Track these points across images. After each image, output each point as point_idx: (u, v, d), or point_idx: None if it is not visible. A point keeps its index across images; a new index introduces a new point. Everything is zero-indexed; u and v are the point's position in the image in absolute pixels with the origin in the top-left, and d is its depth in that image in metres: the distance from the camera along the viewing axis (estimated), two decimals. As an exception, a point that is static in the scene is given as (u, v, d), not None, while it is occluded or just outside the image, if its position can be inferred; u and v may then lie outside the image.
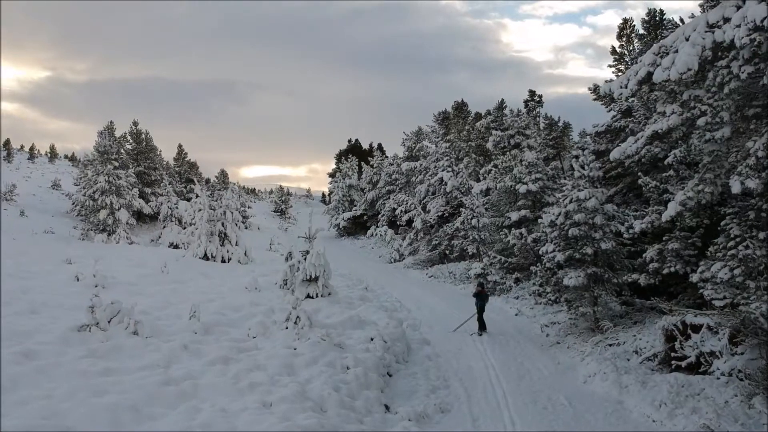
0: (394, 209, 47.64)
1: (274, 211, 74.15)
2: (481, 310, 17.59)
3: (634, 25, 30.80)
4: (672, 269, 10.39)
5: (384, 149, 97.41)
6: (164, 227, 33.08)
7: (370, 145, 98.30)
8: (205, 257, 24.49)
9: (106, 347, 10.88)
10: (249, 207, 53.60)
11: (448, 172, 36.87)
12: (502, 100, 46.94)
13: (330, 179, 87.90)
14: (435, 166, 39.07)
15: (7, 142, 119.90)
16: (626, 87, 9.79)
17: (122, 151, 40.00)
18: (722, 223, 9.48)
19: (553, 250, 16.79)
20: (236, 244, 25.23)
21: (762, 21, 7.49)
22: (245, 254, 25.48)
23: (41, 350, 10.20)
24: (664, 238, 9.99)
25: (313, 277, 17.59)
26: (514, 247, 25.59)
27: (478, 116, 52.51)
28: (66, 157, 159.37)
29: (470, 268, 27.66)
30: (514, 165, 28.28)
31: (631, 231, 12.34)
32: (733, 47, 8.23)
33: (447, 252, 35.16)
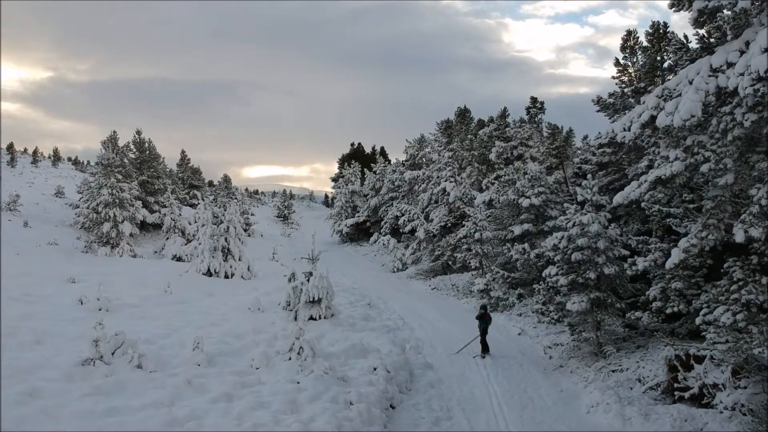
0: (397, 217, 47.70)
1: (277, 217, 74.20)
2: (484, 332, 17.60)
3: (638, 37, 30.78)
4: (675, 309, 10.40)
5: (387, 153, 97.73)
6: (167, 239, 33.12)
7: (373, 149, 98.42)
8: (209, 273, 24.51)
9: (110, 383, 10.91)
10: (252, 214, 53.56)
11: (450, 182, 36.90)
12: (505, 108, 46.90)
13: (333, 183, 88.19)
14: (438, 176, 39.07)
15: (10, 146, 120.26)
16: (629, 130, 9.79)
17: (125, 160, 40.06)
18: (725, 265, 9.49)
19: (556, 274, 16.78)
20: (239, 259, 25.23)
21: (765, 72, 7.49)
22: (248, 269, 25.51)
23: (45, 388, 10.23)
24: (667, 276, 9.99)
25: (316, 299, 17.62)
26: (517, 262, 25.62)
27: (481, 123, 52.49)
28: (69, 159, 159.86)
29: (473, 282, 27.67)
30: (517, 178, 28.27)
31: (634, 268, 12.32)
32: (736, 93, 8.23)
33: (450, 262, 35.20)
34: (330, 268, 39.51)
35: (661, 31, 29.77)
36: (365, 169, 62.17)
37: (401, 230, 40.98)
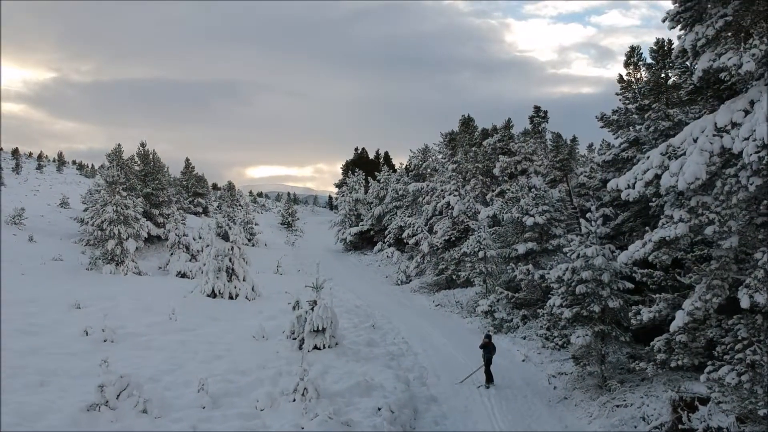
0: (401, 227, 47.71)
1: (281, 224, 74.26)
2: (488, 362, 17.58)
3: (642, 53, 30.75)
4: (680, 362, 10.40)
5: (390, 158, 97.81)
6: (171, 254, 33.17)
7: (377, 154, 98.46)
8: (213, 294, 24.56)
9: (116, 430, 10.95)
10: (256, 224, 53.62)
11: (455, 196, 36.87)
12: (509, 119, 46.87)
13: (337, 189, 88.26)
14: (442, 189, 39.06)
15: (15, 151, 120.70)
16: (633, 187, 9.78)
17: (130, 174, 40.17)
18: (730, 322, 9.46)
19: (561, 305, 16.77)
20: (243, 279, 25.28)
21: (770, 140, 7.47)
22: (252, 289, 25.55)
23: (51, 438, 10.28)
24: (672, 330, 9.95)
25: (320, 328, 17.64)
26: (522, 282, 25.61)
27: (485, 133, 52.43)
28: (74, 163, 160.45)
29: (477, 302, 27.67)
30: (521, 196, 28.25)
31: (638, 317, 12.30)
32: (741, 155, 8.21)
33: (454, 277, 35.21)
34: (334, 280, 39.79)
35: (665, 48, 29.75)
36: (369, 178, 62.20)
37: (405, 241, 40.95)
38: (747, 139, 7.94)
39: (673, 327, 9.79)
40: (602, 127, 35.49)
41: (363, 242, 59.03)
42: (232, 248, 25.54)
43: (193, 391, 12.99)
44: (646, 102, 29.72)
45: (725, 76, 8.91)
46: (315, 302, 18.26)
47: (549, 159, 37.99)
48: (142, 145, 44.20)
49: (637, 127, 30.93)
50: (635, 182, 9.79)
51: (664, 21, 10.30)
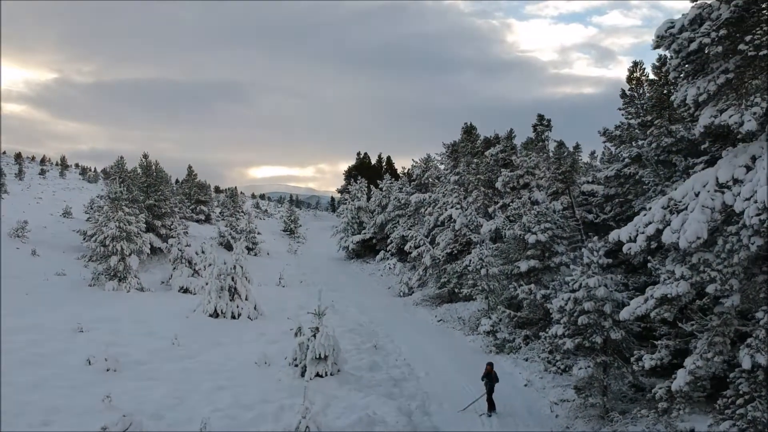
0: (404, 237, 47.77)
1: (284, 231, 74.30)
2: (490, 391, 17.58)
3: (645, 68, 30.71)
4: (681, 412, 10.40)
5: (392, 162, 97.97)
6: (174, 269, 33.24)
7: (379, 158, 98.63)
8: (215, 313, 24.62)
9: (119, 476, 11.00)
10: (258, 233, 53.66)
11: (456, 209, 36.89)
12: (511, 130, 46.85)
13: (339, 195, 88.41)
14: (444, 201, 39.08)
15: (18, 156, 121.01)
16: (635, 241, 9.80)
17: (132, 186, 40.26)
18: (731, 375, 9.47)
19: (563, 335, 16.78)
20: (246, 299, 25.33)
21: (771, 203, 7.48)
22: (254, 308, 25.60)
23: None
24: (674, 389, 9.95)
25: (322, 356, 17.67)
26: (524, 301, 25.61)
27: (488, 142, 52.40)
28: (76, 166, 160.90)
29: (479, 319, 27.68)
30: (524, 212, 28.26)
31: (640, 364, 12.30)
32: (743, 214, 8.22)
33: (456, 290, 35.21)
34: (337, 292, 39.84)
35: (668, 64, 29.66)
36: (372, 186, 62.32)
37: (408, 252, 40.95)
38: (748, 199, 7.96)
39: (674, 387, 9.79)
40: (605, 142, 35.52)
41: (365, 250, 59.12)
42: (235, 267, 25.55)
43: (196, 429, 13.01)
44: (649, 118, 29.71)
45: (727, 131, 8.93)
46: (317, 329, 18.28)
47: (551, 171, 38.00)
48: (145, 156, 44.32)
49: (640, 142, 30.96)
50: (637, 235, 9.81)
51: (664, 69, 10.28)
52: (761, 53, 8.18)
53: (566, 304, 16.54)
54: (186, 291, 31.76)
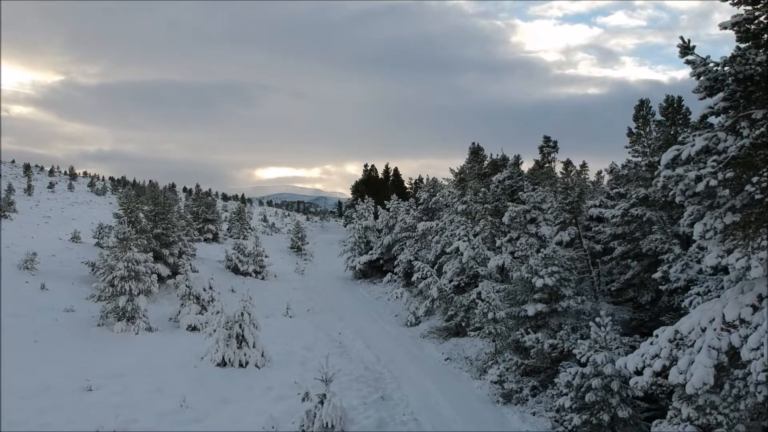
0: (410, 261, 47.83)
1: (291, 248, 74.52)
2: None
3: (651, 107, 30.67)
4: None
5: (399, 174, 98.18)
6: (182, 305, 33.42)
7: (386, 169, 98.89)
8: (223, 362, 24.78)
9: None
10: (266, 256, 53.83)
11: (464, 241, 36.89)
12: (518, 156, 47.00)
13: (348, 208, 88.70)
14: (451, 233, 39.14)
15: (27, 168, 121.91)
16: (641, 373, 9.80)
17: (140, 216, 40.47)
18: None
19: (570, 407, 16.80)
20: (253, 346, 25.47)
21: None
22: (262, 355, 25.76)
23: None
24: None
25: (329, 425, 17.74)
26: (531, 350, 25.57)
27: (495, 165, 52.50)
28: (84, 174, 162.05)
29: (486, 363, 27.72)
30: (530, 254, 28.23)
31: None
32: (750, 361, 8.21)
33: (463, 323, 35.23)
34: (344, 320, 39.99)
35: (675, 105, 29.66)
36: (378, 206, 62.57)
37: (415, 284, 40.96)
38: (756, 349, 7.95)
39: None
40: (610, 181, 35.47)
41: (372, 270, 59.28)
42: (242, 314, 25.69)
43: None
44: (656, 159, 29.68)
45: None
46: (324, 395, 18.37)
47: (558, 201, 37.97)
48: (153, 185, 44.55)
49: (649, 189, 30.92)
50: (644, 367, 9.82)
51: (669, 193, 10.27)
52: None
53: (573, 379, 16.57)
54: (194, 329, 31.97)
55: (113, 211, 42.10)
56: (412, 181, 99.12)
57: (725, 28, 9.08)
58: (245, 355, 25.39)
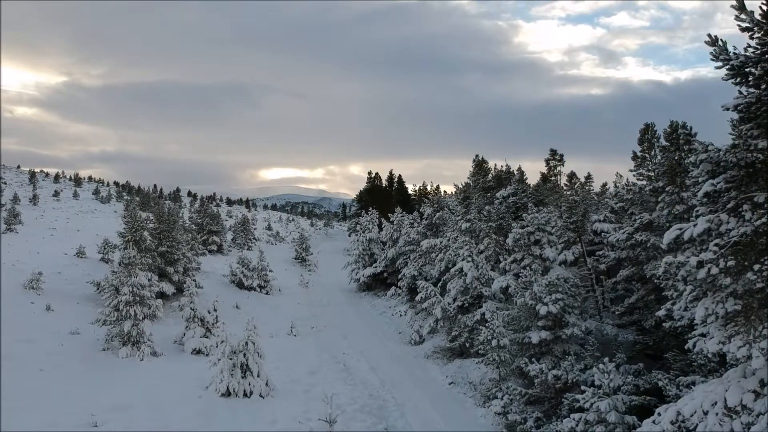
0: (414, 277, 47.90)
1: (295, 258, 74.63)
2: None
3: (656, 131, 30.60)
4: None
5: (403, 181, 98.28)
6: (187, 328, 33.54)
7: (390, 177, 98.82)
8: (227, 392, 24.86)
9: None
10: (270, 270, 53.96)
11: (468, 262, 36.88)
12: (523, 172, 46.98)
13: (351, 220, 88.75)
14: (455, 252, 39.16)
15: (32, 175, 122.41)
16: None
17: (145, 234, 40.60)
18: None
19: (574, 453, 16.82)
20: (258, 375, 25.55)
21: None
22: (266, 384, 25.83)
23: None
24: None
25: (333, 468, 17.80)
26: (535, 379, 25.57)
27: (499, 179, 52.51)
28: (89, 179, 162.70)
29: (490, 390, 27.75)
30: (534, 280, 28.27)
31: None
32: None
33: (467, 344, 35.25)
34: (347, 339, 40.06)
35: (679, 131, 29.62)
36: (382, 219, 62.68)
37: (419, 304, 40.95)
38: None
39: None
40: (616, 203, 35.43)
41: (377, 283, 59.39)
42: (246, 343, 25.78)
43: None
44: (660, 184, 29.66)
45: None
46: (328, 436, 18.41)
47: (563, 219, 37.96)
48: (157, 193, 44.67)
49: (650, 208, 30.90)
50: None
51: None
52: (770, 290, 8.21)
53: (577, 426, 16.58)
54: (199, 352, 32.11)
55: (117, 231, 42.14)
56: (416, 188, 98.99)
57: (727, 109, 9.10)
58: (249, 384, 25.45)
